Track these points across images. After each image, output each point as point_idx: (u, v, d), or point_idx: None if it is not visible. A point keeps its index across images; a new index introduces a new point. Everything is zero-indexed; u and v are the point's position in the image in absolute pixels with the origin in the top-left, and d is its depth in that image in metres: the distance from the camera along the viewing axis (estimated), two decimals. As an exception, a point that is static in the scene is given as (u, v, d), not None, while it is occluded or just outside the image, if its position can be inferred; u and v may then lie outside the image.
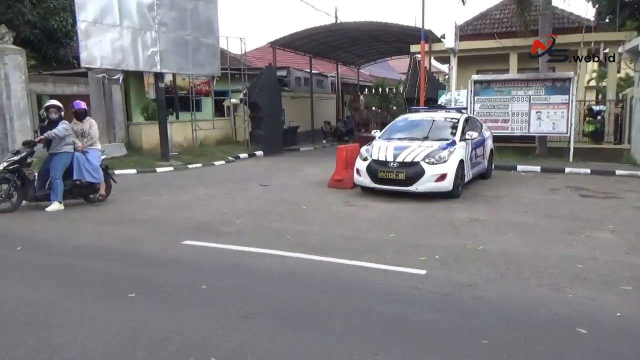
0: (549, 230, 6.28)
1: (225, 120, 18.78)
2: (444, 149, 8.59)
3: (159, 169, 12.75)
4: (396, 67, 42.80)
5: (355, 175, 9.07)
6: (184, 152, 15.63)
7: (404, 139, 9.36)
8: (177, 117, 17.25)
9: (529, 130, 13.93)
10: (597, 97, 24.76)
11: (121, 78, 13.08)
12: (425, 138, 9.29)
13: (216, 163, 14.54)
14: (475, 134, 9.33)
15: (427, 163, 8.28)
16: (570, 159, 13.46)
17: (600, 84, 29.71)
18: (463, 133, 9.28)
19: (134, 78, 17.67)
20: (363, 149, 9.21)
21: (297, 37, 19.85)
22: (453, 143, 8.88)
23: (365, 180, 8.80)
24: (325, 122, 24.42)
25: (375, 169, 8.57)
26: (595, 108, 18.45)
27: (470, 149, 9.42)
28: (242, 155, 16.42)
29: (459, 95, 14.48)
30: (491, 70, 16.91)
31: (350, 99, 29.19)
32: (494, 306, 3.83)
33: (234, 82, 18.46)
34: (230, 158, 15.61)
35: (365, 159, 8.88)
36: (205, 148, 16.80)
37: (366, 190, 9.00)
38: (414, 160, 8.34)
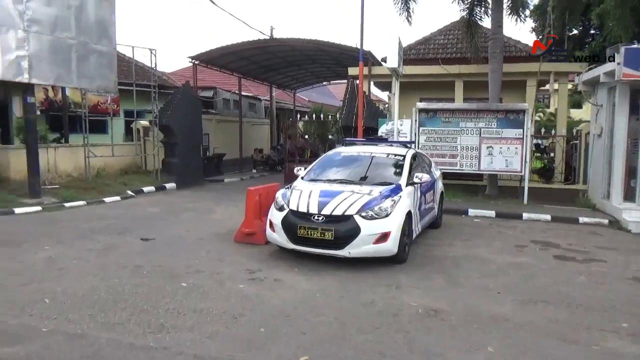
0: (542, 336, 4.13)
1: (130, 146, 15.80)
2: (386, 197, 6.37)
3: (19, 210, 9.64)
4: (337, 94, 41.45)
5: (268, 230, 6.64)
6: (71, 185, 12.53)
7: (335, 181, 7.08)
8: (67, 141, 14.11)
9: (479, 168, 12.21)
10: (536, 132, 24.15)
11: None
12: (363, 180, 7.08)
13: (107, 200, 11.57)
14: (425, 177, 7.22)
15: (364, 217, 6.01)
16: (525, 201, 11.84)
17: (535, 117, 29.51)
18: (410, 175, 7.16)
19: (19, 92, 14.44)
20: (279, 194, 6.82)
21: (223, 52, 17.43)
22: (398, 189, 6.69)
23: (280, 238, 6.38)
24: (256, 150, 21.95)
25: (294, 223, 6.18)
26: (539, 143, 17.41)
27: (419, 195, 7.30)
28: (146, 189, 13.52)
29: (401, 125, 12.58)
30: (435, 99, 15.31)
31: (286, 125, 27.02)
32: None
33: (149, 101, 15.65)
34: (129, 193, 12.68)
35: (281, 209, 6.48)
36: (102, 179, 13.76)
37: (284, 249, 6.57)
38: (346, 212, 6.04)
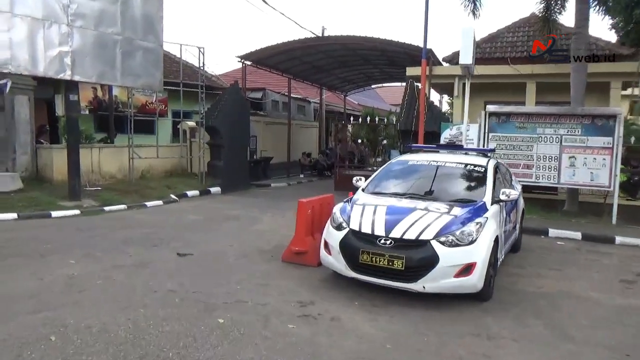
0: None
1: (176, 148, 15.30)
2: (469, 218, 5.16)
3: (56, 213, 9.10)
4: (386, 98, 40.13)
5: (323, 252, 5.58)
6: (113, 187, 12.06)
7: (404, 195, 5.94)
8: (112, 141, 13.70)
9: (559, 180, 10.68)
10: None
11: (8, 85, 9.54)
12: (437, 195, 5.89)
13: (149, 204, 10.93)
14: (513, 193, 5.94)
15: (443, 244, 4.83)
16: (614, 221, 10.23)
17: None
18: (495, 190, 5.92)
19: (62, 90, 14.21)
20: (337, 209, 5.75)
21: (273, 52, 16.67)
22: (483, 208, 5.47)
23: (337, 263, 5.30)
24: (303, 154, 21.06)
25: (355, 247, 5.09)
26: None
27: (504, 215, 6.05)
28: (190, 193, 12.87)
29: (468, 130, 11.26)
30: (502, 102, 13.82)
31: (336, 128, 26.06)
32: None
33: (198, 102, 15.12)
34: (172, 197, 12.03)
35: (339, 227, 5.41)
36: (146, 181, 13.26)
37: (341, 276, 5.49)
38: (421, 237, 4.89)
